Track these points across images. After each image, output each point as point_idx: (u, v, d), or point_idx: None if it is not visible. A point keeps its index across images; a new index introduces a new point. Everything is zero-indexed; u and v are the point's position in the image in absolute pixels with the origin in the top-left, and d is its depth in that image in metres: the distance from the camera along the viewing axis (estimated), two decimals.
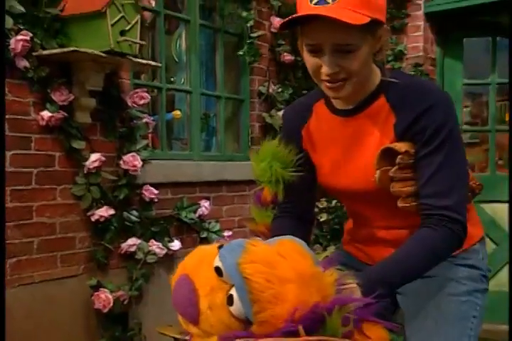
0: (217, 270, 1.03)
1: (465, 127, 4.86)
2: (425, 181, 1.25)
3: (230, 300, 1.00)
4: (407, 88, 1.27)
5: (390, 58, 3.76)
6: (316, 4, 1.16)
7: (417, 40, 3.87)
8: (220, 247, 1.07)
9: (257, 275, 0.98)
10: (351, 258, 1.51)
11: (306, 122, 1.42)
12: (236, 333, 0.99)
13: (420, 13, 3.86)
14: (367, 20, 1.14)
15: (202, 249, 1.14)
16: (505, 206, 3.56)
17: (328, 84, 1.23)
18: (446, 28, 3.97)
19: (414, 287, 1.36)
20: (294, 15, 1.17)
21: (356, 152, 1.33)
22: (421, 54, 3.85)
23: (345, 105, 1.34)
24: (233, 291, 1.00)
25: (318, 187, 1.49)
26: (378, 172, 1.27)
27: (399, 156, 1.25)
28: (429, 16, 3.88)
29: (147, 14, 3.15)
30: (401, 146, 1.26)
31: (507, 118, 6.93)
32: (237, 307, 0.99)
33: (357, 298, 1.09)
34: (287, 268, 1.00)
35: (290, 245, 1.06)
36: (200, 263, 1.07)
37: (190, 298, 1.04)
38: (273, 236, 1.21)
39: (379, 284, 1.15)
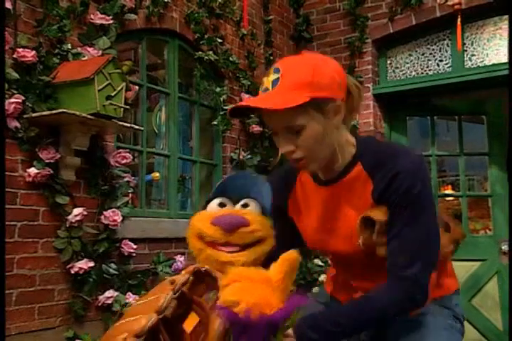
0: None
1: None
2: (390, 249, 1.15)
3: None
4: (380, 155, 1.18)
5: None
6: (263, 91, 1.13)
7: (368, 116, 3.91)
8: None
9: None
10: (329, 297, 1.44)
11: (290, 191, 1.32)
12: None
13: (369, 94, 3.93)
14: (305, 100, 1.07)
15: None
16: None
17: (293, 162, 1.16)
18: (392, 107, 4.06)
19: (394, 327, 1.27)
20: (232, 106, 1.15)
21: (338, 219, 1.23)
22: (371, 128, 3.88)
23: (326, 175, 1.24)
24: None
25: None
26: (361, 238, 1.17)
27: (376, 224, 1.16)
28: (377, 97, 3.96)
29: (131, 93, 3.07)
30: (376, 214, 1.16)
31: (444, 191, 7.05)
32: None
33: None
34: None
35: None
36: None
37: None
38: None
39: (310, 328, 1.09)
